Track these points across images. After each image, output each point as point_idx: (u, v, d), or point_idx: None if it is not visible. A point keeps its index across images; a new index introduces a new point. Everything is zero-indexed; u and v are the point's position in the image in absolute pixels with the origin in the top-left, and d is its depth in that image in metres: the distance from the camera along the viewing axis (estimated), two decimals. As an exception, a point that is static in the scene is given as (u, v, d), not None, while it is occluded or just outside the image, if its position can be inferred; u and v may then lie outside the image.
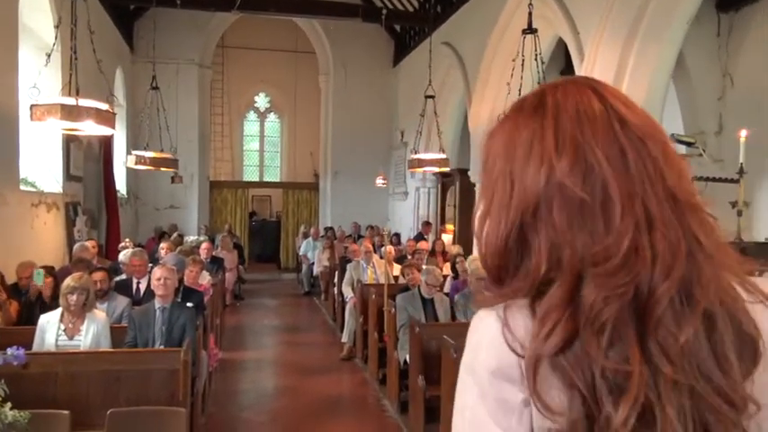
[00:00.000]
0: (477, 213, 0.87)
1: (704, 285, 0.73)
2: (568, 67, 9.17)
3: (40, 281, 5.17)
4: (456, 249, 8.80)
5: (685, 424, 0.70)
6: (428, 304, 5.76)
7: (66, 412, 3.25)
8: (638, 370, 0.70)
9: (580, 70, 6.37)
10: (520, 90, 5.89)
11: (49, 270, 5.56)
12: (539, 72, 5.83)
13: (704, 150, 4.72)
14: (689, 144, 3.96)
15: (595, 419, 0.70)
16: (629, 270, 0.72)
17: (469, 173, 9.75)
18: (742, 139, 3.89)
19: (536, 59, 5.82)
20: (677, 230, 0.74)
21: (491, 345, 0.77)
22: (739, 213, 3.85)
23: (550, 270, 0.76)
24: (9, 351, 2.29)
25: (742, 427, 0.72)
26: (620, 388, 0.70)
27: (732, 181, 3.95)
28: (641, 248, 0.73)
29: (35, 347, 4.22)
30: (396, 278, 7.74)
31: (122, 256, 6.84)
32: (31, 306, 5.20)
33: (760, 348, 0.75)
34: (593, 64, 6.13)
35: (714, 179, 3.90)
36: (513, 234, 0.80)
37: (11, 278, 5.63)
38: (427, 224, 12.23)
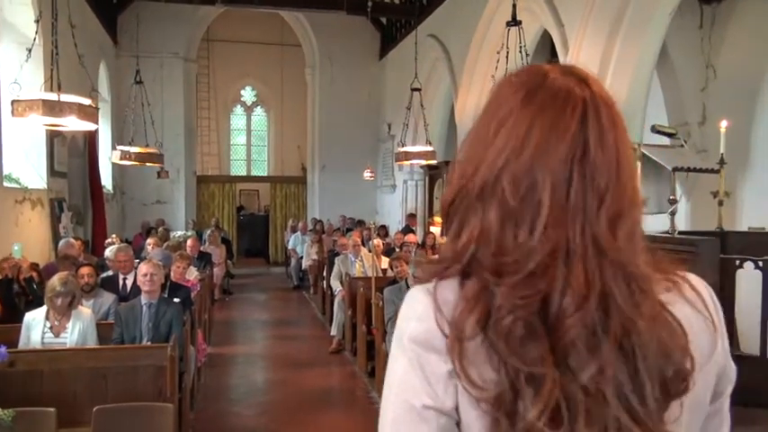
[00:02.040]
0: (457, 158, 0.88)
1: (618, 323, 0.73)
2: (553, 59, 9.20)
3: (18, 255, 5.13)
4: (445, 242, 8.81)
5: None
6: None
7: (52, 410, 3.24)
8: (550, 374, 0.71)
9: (565, 62, 6.39)
10: (505, 82, 5.90)
11: (34, 267, 5.52)
12: (524, 64, 5.84)
13: (686, 141, 4.76)
14: (670, 135, 3.99)
15: (518, 392, 0.72)
16: (531, 287, 0.74)
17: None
18: (722, 130, 3.93)
19: (521, 52, 5.84)
20: (594, 272, 0.74)
21: (420, 317, 0.79)
22: (720, 203, 3.89)
23: (476, 252, 0.79)
24: (-8, 349, 2.28)
25: None
26: (537, 381, 0.71)
27: (713, 171, 4.00)
28: (551, 272, 0.74)
29: (21, 345, 4.19)
30: (384, 271, 7.76)
31: (108, 252, 6.80)
32: (13, 298, 5.16)
33: (689, 380, 0.76)
34: (578, 56, 6.16)
35: (696, 169, 3.94)
36: (462, 194, 0.82)
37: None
38: (412, 216, 12.24)
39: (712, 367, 0.82)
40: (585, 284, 0.73)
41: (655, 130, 3.87)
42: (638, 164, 3.51)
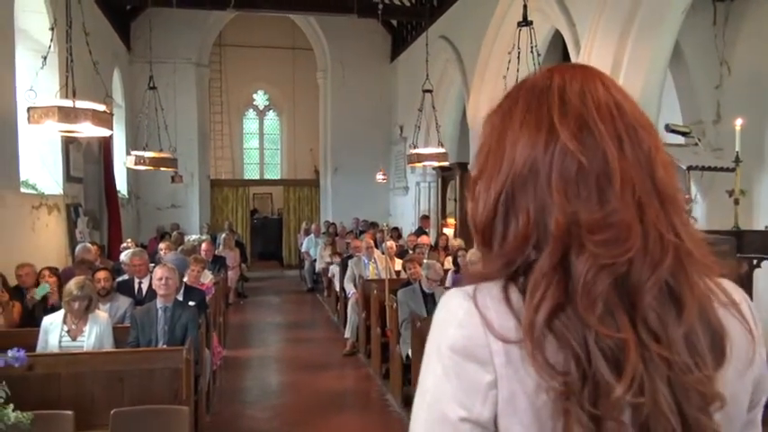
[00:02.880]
0: (472, 176, 0.88)
1: (689, 284, 0.75)
2: (565, 60, 9.16)
3: (40, 294, 5.19)
4: (458, 243, 8.80)
5: (669, 401, 0.71)
6: (429, 299, 5.77)
7: (69, 413, 3.27)
8: (632, 338, 0.71)
9: (576, 62, 6.37)
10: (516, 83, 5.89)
11: (53, 271, 5.58)
12: (535, 65, 5.83)
13: (700, 140, 4.72)
14: (684, 134, 3.96)
15: (587, 380, 0.71)
16: (623, 244, 0.73)
17: (469, 166, 9.75)
18: (738, 128, 3.89)
19: (532, 52, 5.82)
20: (666, 225, 0.75)
21: (459, 324, 0.76)
22: (736, 202, 3.85)
23: (538, 238, 0.77)
24: (10, 353, 2.31)
25: (712, 418, 0.74)
26: (615, 356, 0.70)
27: (729, 170, 3.96)
28: (635, 230, 0.73)
29: (39, 349, 4.25)
30: (397, 273, 7.76)
31: (124, 257, 6.87)
32: (34, 307, 5.23)
33: (726, 349, 0.76)
34: (590, 55, 6.13)
35: (711, 168, 3.90)
36: (502, 197, 0.80)
37: (12, 281, 5.65)
38: (425, 218, 12.24)
39: (750, 375, 0.82)
40: (660, 243, 0.74)
41: (669, 128, 3.84)
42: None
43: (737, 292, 0.84)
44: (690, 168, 3.56)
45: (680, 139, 4.80)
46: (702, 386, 0.73)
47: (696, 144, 4.20)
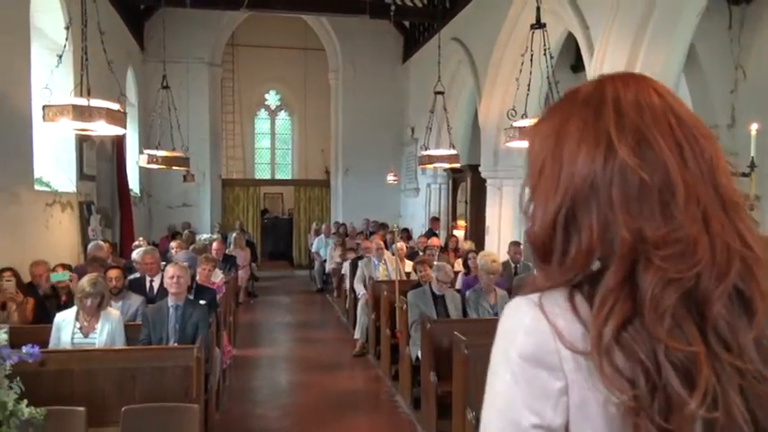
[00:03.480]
0: (524, 192, 0.88)
1: (759, 290, 0.74)
2: (578, 62, 9.14)
3: (57, 279, 5.25)
4: (468, 245, 8.79)
5: (743, 412, 0.71)
6: (439, 301, 5.77)
7: (82, 409, 3.29)
8: (703, 350, 0.71)
9: (590, 65, 6.34)
10: (529, 85, 5.88)
11: (66, 268, 5.63)
12: (548, 67, 5.81)
13: (715, 144, 4.68)
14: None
15: (656, 393, 0.71)
16: (690, 258, 0.72)
17: (480, 168, 9.74)
18: (753, 133, 3.86)
19: (545, 54, 5.79)
20: (732, 233, 0.75)
21: (527, 331, 0.77)
22: (751, 208, 3.82)
23: (601, 253, 0.77)
24: (24, 349, 2.33)
25: None
26: (686, 369, 0.70)
27: (744, 175, 3.93)
28: (701, 243, 0.73)
29: (51, 345, 4.28)
30: (407, 274, 7.76)
31: (135, 255, 6.91)
32: (47, 303, 5.28)
33: None
34: (603, 58, 6.10)
35: (726, 173, 3.88)
36: (561, 213, 0.80)
37: (26, 277, 5.70)
38: (435, 219, 12.22)
39: None
40: (727, 252, 0.74)
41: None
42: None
43: None
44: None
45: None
46: None
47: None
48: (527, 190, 0.87)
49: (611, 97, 0.80)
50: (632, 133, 0.77)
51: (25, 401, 2.26)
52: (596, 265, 0.78)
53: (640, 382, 0.71)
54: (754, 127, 3.92)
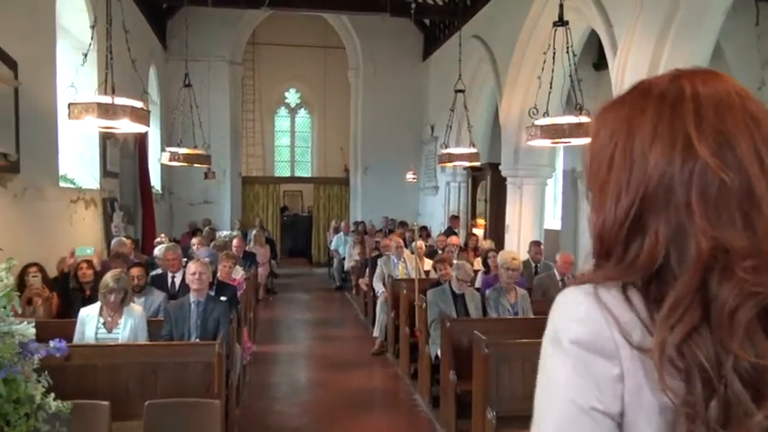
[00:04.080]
0: (590, 186, 0.86)
1: None
2: (601, 60, 9.04)
3: (82, 253, 5.36)
4: (488, 244, 8.75)
5: None
6: (459, 299, 5.75)
7: (105, 403, 3.34)
8: None
9: (613, 63, 6.28)
10: (551, 83, 5.83)
11: (90, 264, 5.72)
12: (570, 65, 5.76)
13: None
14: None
15: (713, 401, 0.70)
16: None
17: (501, 167, 9.69)
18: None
19: (567, 52, 5.74)
20: None
21: (581, 319, 0.77)
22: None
23: (668, 257, 0.76)
24: (51, 343, 2.36)
25: None
26: (754, 381, 0.70)
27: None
28: None
29: (75, 340, 4.34)
30: (427, 273, 7.75)
31: (158, 251, 6.99)
32: (72, 299, 5.36)
33: None
34: (627, 57, 6.03)
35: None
36: (631, 213, 0.79)
37: (51, 273, 5.79)
38: (455, 218, 12.19)
39: None
40: None
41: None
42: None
43: None
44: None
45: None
46: None
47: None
48: (589, 179, 0.86)
49: (690, 94, 0.78)
50: (713, 135, 0.74)
51: (52, 395, 2.30)
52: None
53: (697, 389, 0.71)
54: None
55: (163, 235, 9.32)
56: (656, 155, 0.77)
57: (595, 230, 0.84)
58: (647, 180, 0.77)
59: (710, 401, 0.70)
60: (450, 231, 11.21)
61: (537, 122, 5.46)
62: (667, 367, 0.72)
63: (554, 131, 5.25)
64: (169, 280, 6.18)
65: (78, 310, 4.56)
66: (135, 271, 5.31)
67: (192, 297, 4.85)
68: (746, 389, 0.70)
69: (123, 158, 9.49)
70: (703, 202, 0.73)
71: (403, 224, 12.82)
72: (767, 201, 0.72)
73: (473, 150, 8.63)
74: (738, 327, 0.70)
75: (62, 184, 7.10)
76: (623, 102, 0.84)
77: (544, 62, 5.95)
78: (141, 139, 9.98)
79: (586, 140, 0.94)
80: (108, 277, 4.43)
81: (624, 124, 0.81)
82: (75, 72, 5.36)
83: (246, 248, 10.03)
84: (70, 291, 5.48)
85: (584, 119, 5.04)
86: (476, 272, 7.00)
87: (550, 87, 5.78)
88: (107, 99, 4.61)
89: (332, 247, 13.55)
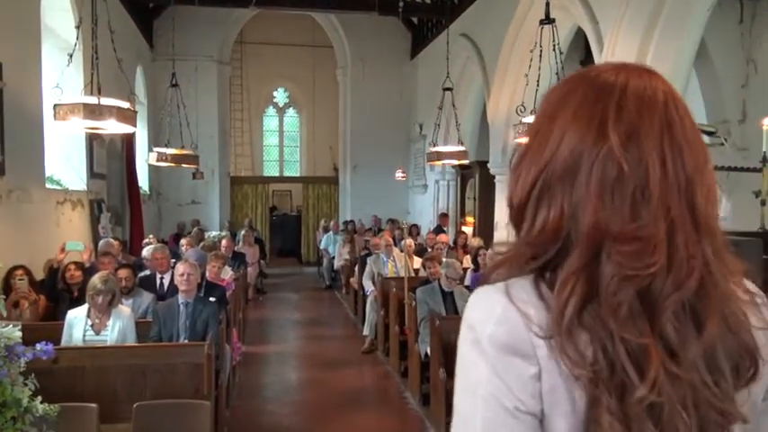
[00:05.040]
0: (516, 156, 0.89)
1: (713, 310, 0.76)
2: (588, 58, 9.09)
3: (72, 248, 5.32)
4: (477, 242, 8.78)
5: (686, 417, 0.73)
6: (448, 297, 5.77)
7: (93, 405, 3.32)
8: (653, 344, 0.73)
9: (600, 60, 6.31)
10: (538, 81, 5.86)
11: (78, 265, 5.68)
12: (557, 63, 5.79)
13: (726, 139, 4.64)
14: (710, 134, 3.89)
15: (615, 373, 0.73)
16: (647, 258, 0.74)
17: (489, 165, 9.72)
18: (765, 128, 3.83)
19: (554, 50, 5.77)
20: (695, 250, 0.76)
21: (498, 320, 0.77)
22: (763, 203, 3.79)
23: (568, 232, 0.78)
24: (38, 346, 2.35)
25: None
26: (638, 359, 0.73)
27: (755, 170, 3.90)
28: (660, 248, 0.75)
29: (63, 342, 4.31)
30: (416, 271, 7.76)
31: (145, 252, 6.95)
32: (59, 301, 5.33)
33: (760, 369, 0.79)
34: (613, 53, 6.07)
35: (737, 168, 3.84)
36: (539, 184, 0.81)
37: (38, 275, 5.74)
38: (444, 216, 12.21)
39: (766, 370, 0.83)
40: (687, 265, 0.75)
41: (694, 128, 3.78)
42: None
43: (755, 288, 0.86)
44: (716, 169, 3.51)
45: (705, 139, 4.73)
46: (720, 402, 0.75)
47: (722, 144, 4.14)
48: (518, 155, 0.88)
49: (619, 84, 0.81)
50: (626, 125, 0.77)
51: (39, 398, 2.28)
52: (553, 250, 0.79)
53: (600, 360, 0.73)
54: (766, 122, 3.88)
55: (151, 236, 9.26)
56: (572, 132, 0.80)
57: (508, 196, 0.87)
58: (557, 153, 0.80)
59: (613, 373, 0.73)
60: (439, 229, 11.23)
61: (524, 120, 5.49)
62: (568, 341, 0.74)
63: (541, 129, 5.26)
64: (157, 281, 6.15)
65: (66, 312, 4.53)
66: (123, 272, 5.28)
67: (181, 298, 4.83)
68: (633, 364, 0.72)
69: (110, 159, 9.43)
70: (601, 184, 0.77)
71: (393, 222, 12.83)
72: (657, 196, 0.75)
73: (461, 148, 8.65)
74: (619, 306, 0.73)
75: (48, 185, 7.04)
76: (567, 81, 0.87)
77: (531, 60, 5.99)
78: (128, 140, 9.91)
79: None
80: (96, 279, 4.40)
81: (557, 101, 0.85)
82: (60, 73, 5.32)
83: (236, 248, 9.99)
84: (58, 292, 5.44)
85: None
86: (465, 270, 7.02)
87: (537, 85, 5.81)
88: (93, 100, 4.58)
89: (321, 247, 13.53)
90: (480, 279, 0.86)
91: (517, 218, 0.85)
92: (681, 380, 0.73)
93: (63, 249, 5.81)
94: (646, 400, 0.72)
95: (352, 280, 10.01)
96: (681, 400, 0.73)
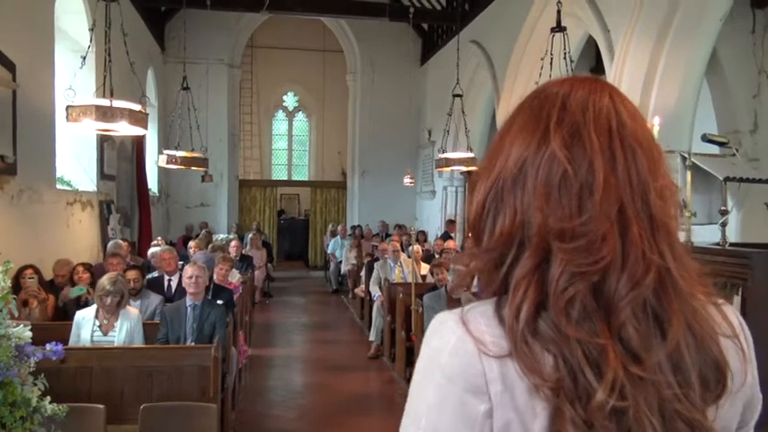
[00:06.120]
0: (473, 176, 0.90)
1: (673, 310, 0.74)
2: (598, 66, 9.06)
3: (75, 294, 5.34)
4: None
5: (655, 423, 0.71)
6: (455, 304, 5.74)
7: (101, 406, 3.33)
8: (610, 344, 0.71)
9: (610, 69, 6.30)
10: (549, 89, 5.84)
11: (86, 267, 5.70)
12: (568, 71, 5.79)
13: (737, 150, 4.62)
14: (721, 144, 3.87)
15: (577, 382, 0.71)
16: (595, 254, 0.73)
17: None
18: (777, 139, 3.81)
19: (565, 58, 5.77)
20: (650, 247, 0.75)
21: (452, 351, 0.75)
22: (772, 212, 3.78)
23: (522, 238, 0.77)
24: (48, 346, 2.36)
25: None
26: (596, 361, 0.71)
27: (766, 181, 3.87)
28: (610, 243, 0.73)
29: (71, 343, 4.33)
30: (423, 277, 7.75)
31: (151, 253, 6.98)
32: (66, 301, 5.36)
33: (728, 380, 0.77)
34: (624, 62, 6.05)
35: (747, 180, 3.83)
36: (491, 193, 0.82)
37: (47, 275, 5.77)
38: (451, 222, 12.20)
39: (742, 395, 0.82)
40: (643, 261, 0.74)
41: (706, 138, 3.76)
42: (688, 174, 3.42)
43: (729, 310, 0.84)
44: (727, 179, 3.49)
45: (714, 149, 4.70)
46: (688, 412, 0.73)
47: (734, 155, 4.12)
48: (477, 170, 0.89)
49: (563, 92, 0.82)
50: (569, 127, 0.78)
51: (48, 398, 2.29)
52: (511, 258, 0.78)
53: (561, 368, 0.71)
54: (777, 133, 3.87)
55: (159, 238, 9.30)
56: (519, 141, 0.81)
57: (466, 215, 0.88)
58: (507, 163, 0.81)
59: (576, 382, 0.71)
60: (446, 236, 11.21)
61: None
62: (525, 350, 0.72)
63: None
64: (165, 283, 6.17)
65: (74, 313, 4.55)
66: (130, 274, 5.30)
67: (189, 300, 4.84)
68: (591, 368, 0.70)
69: (120, 161, 9.48)
70: (546, 186, 0.76)
71: (400, 227, 12.83)
72: (601, 191, 0.74)
73: (470, 155, 8.64)
74: (568, 305, 0.72)
75: (59, 186, 7.08)
76: (520, 102, 0.88)
77: (542, 67, 5.99)
78: (139, 142, 9.97)
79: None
80: (104, 280, 4.42)
81: (509, 120, 0.86)
82: (73, 75, 5.35)
83: (243, 252, 10.01)
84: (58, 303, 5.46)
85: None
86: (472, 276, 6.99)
87: (548, 93, 5.79)
88: (105, 102, 4.61)
89: (329, 251, 13.54)
90: (448, 293, 0.86)
91: (475, 233, 0.85)
92: (645, 382, 0.71)
93: (69, 277, 5.75)
94: (607, 404, 0.69)
95: (357, 290, 9.98)
96: (647, 405, 0.71)
